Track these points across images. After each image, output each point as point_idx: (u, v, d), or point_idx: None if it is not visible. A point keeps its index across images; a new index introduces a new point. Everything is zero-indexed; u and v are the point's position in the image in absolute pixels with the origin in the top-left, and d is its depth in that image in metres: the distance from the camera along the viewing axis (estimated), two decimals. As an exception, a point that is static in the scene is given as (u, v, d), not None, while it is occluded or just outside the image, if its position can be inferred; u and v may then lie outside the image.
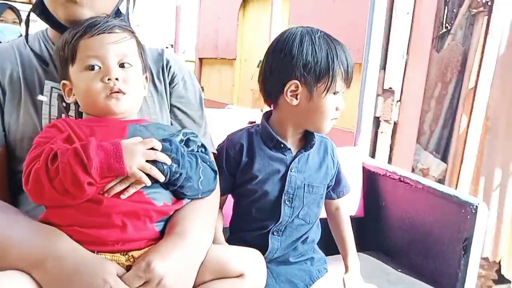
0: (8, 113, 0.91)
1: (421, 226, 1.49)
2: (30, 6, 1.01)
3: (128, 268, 0.76)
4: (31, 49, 0.95)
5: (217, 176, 0.96)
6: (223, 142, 1.15)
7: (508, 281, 2.29)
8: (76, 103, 0.91)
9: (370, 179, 1.66)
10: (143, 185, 0.80)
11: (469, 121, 2.24)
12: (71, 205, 0.77)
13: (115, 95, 0.85)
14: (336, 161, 1.20)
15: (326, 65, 1.01)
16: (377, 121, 2.62)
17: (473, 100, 2.27)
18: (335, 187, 1.22)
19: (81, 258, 0.73)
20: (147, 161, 0.79)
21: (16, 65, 0.93)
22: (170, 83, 1.05)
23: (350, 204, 1.67)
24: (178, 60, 1.10)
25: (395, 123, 2.64)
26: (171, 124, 1.04)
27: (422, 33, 2.51)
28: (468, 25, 2.34)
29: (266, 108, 1.17)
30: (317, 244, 1.22)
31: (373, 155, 2.60)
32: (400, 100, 2.61)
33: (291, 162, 1.10)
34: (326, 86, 1.02)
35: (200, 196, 0.92)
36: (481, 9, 2.26)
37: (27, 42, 0.96)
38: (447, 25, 2.46)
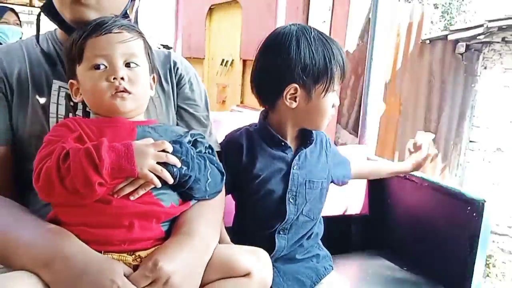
0: (16, 111, 0.91)
1: (427, 224, 1.49)
2: (30, 8, 1.01)
3: (135, 268, 0.76)
4: (41, 48, 0.95)
5: (224, 178, 0.96)
6: (221, 142, 1.14)
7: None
8: (83, 102, 0.91)
9: (375, 176, 1.66)
10: (153, 186, 0.80)
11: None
12: (80, 205, 0.77)
13: (120, 94, 0.85)
14: (329, 153, 1.18)
15: (324, 67, 1.01)
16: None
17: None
18: (341, 170, 1.23)
19: (89, 259, 0.73)
20: (157, 163, 0.79)
21: (24, 65, 0.94)
22: (177, 85, 1.05)
23: (355, 202, 1.67)
24: (185, 61, 1.10)
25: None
26: (177, 125, 1.04)
27: (336, 37, 2.95)
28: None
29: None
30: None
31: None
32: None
33: (292, 160, 1.10)
34: (325, 87, 1.02)
35: (207, 198, 0.92)
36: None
37: (37, 41, 0.96)
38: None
